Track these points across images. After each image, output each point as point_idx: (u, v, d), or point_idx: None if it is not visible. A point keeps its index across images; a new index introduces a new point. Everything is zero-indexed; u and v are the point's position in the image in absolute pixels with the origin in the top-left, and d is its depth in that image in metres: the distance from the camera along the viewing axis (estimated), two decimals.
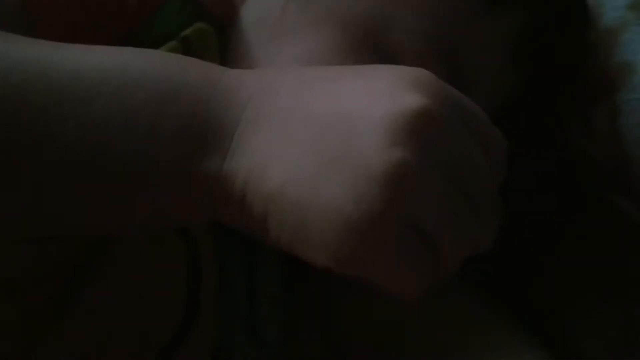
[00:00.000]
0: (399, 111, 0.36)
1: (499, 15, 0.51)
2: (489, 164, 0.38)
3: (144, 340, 0.49)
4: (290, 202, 0.37)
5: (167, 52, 0.47)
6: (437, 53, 0.49)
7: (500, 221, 0.39)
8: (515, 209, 0.56)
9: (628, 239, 0.56)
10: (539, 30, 0.52)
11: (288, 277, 0.57)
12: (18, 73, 0.38)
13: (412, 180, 0.35)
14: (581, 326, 0.55)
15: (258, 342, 0.55)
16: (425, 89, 0.37)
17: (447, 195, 0.36)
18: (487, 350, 0.53)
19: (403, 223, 0.36)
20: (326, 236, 0.36)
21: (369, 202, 0.35)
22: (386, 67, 0.40)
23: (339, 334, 0.57)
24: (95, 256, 0.46)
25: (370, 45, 0.49)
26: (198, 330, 0.50)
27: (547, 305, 0.56)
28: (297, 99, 0.39)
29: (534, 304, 0.56)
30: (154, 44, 0.47)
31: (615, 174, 0.56)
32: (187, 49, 0.48)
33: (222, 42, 0.51)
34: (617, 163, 0.55)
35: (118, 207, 0.39)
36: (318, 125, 0.37)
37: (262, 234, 0.38)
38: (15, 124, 0.37)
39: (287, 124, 0.38)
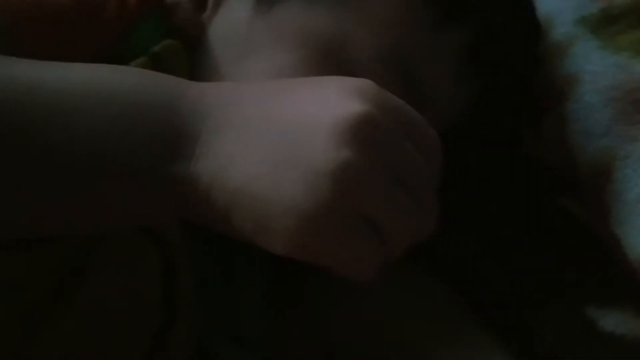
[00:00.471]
0: (343, 117, 0.40)
1: (450, 31, 0.53)
2: (426, 162, 0.42)
3: (123, 347, 0.50)
4: (251, 197, 0.41)
5: (138, 67, 0.49)
6: (392, 67, 0.51)
7: (438, 213, 0.43)
8: (474, 212, 0.60)
9: (575, 240, 0.59)
10: (490, 44, 0.54)
11: (272, 280, 0.59)
12: (6, 91, 0.41)
13: (356, 175, 0.39)
14: (536, 316, 0.58)
15: (240, 343, 0.57)
16: (367, 96, 0.41)
17: (388, 187, 0.40)
18: (462, 350, 0.56)
19: (350, 212, 0.40)
20: (284, 225, 0.40)
21: (319, 194, 0.39)
22: (335, 78, 0.44)
23: (327, 336, 0.59)
24: (73, 267, 0.48)
25: (331, 61, 0.51)
26: (176, 335, 0.52)
27: (507, 297, 0.59)
28: (255, 107, 0.42)
29: (496, 297, 0.59)
30: (130, 60, 0.50)
31: (564, 178, 0.58)
32: (157, 64, 0.50)
33: (192, 58, 0.53)
34: (565, 167, 0.57)
35: (96, 204, 0.43)
36: (275, 130, 0.41)
37: (226, 227, 0.42)
38: (3, 134, 0.40)
39: (247, 130, 0.42)
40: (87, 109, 0.42)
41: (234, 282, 0.57)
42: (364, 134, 0.40)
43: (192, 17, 0.55)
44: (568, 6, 0.59)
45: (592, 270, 0.58)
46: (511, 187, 0.61)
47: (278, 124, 0.41)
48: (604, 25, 0.58)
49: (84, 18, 0.50)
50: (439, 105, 0.54)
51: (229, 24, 0.54)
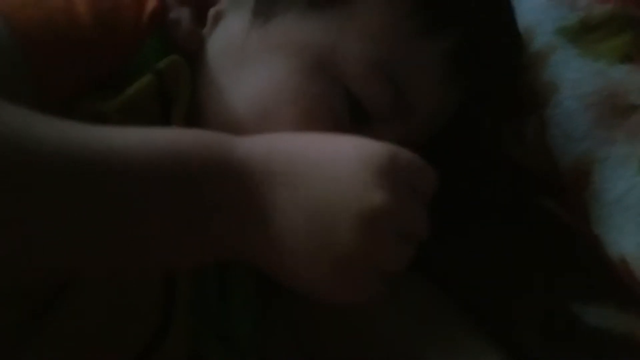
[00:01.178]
0: (368, 209, 0.46)
1: (434, 40, 0.54)
2: (425, 203, 0.48)
3: (119, 347, 0.52)
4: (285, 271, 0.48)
5: (144, 86, 0.52)
6: (381, 75, 0.53)
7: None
8: (460, 214, 0.61)
9: (558, 238, 0.60)
10: (472, 52, 0.55)
11: (263, 291, 0.60)
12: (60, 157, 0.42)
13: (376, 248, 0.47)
14: (521, 313, 0.60)
15: (231, 348, 0.58)
16: (387, 180, 0.46)
17: (398, 244, 0.47)
18: (452, 354, 0.58)
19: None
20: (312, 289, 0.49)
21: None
22: (357, 154, 0.48)
23: (312, 343, 0.60)
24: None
25: (323, 70, 0.53)
26: (172, 336, 0.53)
27: (492, 294, 0.61)
28: (287, 194, 0.47)
29: (481, 294, 0.61)
30: (136, 75, 0.52)
31: (546, 180, 0.60)
32: (162, 80, 0.52)
33: (192, 71, 0.55)
34: (546, 170, 0.59)
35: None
36: (306, 218, 0.46)
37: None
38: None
39: (282, 218, 0.47)
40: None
41: (227, 284, 0.59)
42: (385, 222, 0.46)
43: (192, 32, 0.56)
44: (548, 17, 0.61)
45: (575, 268, 0.59)
46: (494, 190, 0.62)
47: (309, 212, 0.46)
48: (582, 34, 0.60)
49: (102, 36, 0.51)
50: (424, 111, 0.56)
51: (227, 37, 0.56)
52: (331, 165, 0.47)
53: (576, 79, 0.59)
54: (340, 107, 0.53)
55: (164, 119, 0.53)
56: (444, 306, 0.61)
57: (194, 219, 0.45)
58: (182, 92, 0.54)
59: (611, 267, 0.55)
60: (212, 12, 0.57)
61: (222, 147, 0.47)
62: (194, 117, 0.55)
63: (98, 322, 0.51)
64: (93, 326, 0.51)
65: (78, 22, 0.51)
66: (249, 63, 0.55)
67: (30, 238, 0.41)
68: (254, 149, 0.48)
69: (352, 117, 0.54)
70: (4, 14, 0.49)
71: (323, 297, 0.49)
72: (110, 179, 0.43)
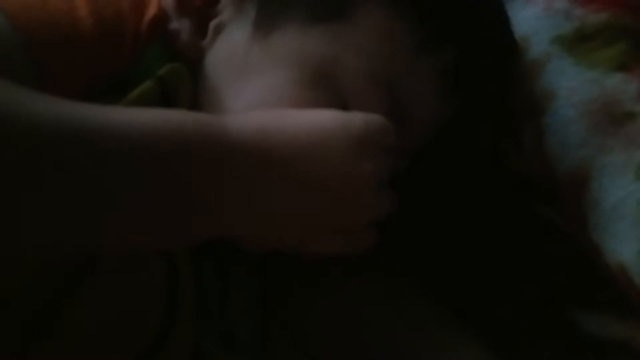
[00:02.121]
0: (358, 178, 0.51)
1: (433, 54, 0.55)
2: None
3: (123, 345, 0.52)
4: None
5: (144, 92, 0.52)
6: (379, 88, 0.54)
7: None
8: (458, 221, 0.62)
9: (557, 246, 0.60)
10: (469, 65, 0.56)
11: (263, 290, 0.61)
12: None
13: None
14: (520, 319, 0.60)
15: (232, 347, 0.59)
16: (368, 149, 0.52)
17: (381, 195, 0.53)
18: (441, 348, 0.59)
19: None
20: None
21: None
22: (339, 131, 0.51)
23: (310, 342, 0.61)
24: (80, 265, 0.50)
25: (323, 82, 0.54)
26: (176, 335, 0.54)
27: (491, 301, 0.62)
28: (283, 168, 0.50)
29: (480, 301, 0.62)
30: (136, 84, 0.52)
31: (543, 188, 0.60)
32: (162, 87, 0.53)
33: (193, 80, 0.56)
34: (544, 177, 0.59)
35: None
36: (304, 190, 0.50)
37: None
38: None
39: (282, 191, 0.50)
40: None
41: (230, 286, 0.59)
42: (372, 185, 0.52)
43: (194, 43, 0.57)
44: (544, 26, 0.62)
45: (573, 275, 0.60)
46: (492, 198, 0.63)
47: (305, 184, 0.50)
48: (578, 43, 0.60)
49: (104, 41, 0.52)
50: (420, 122, 0.57)
51: (228, 48, 0.57)
52: (321, 140, 0.50)
53: (572, 87, 0.59)
54: None
55: None
56: (440, 312, 0.61)
57: (194, 196, 0.47)
58: (183, 99, 0.54)
59: (610, 275, 0.55)
60: (213, 23, 0.57)
61: (215, 126, 0.49)
62: None
63: (101, 323, 0.51)
64: (96, 327, 0.51)
65: (80, 26, 0.51)
66: (249, 74, 0.56)
67: (26, 214, 0.42)
68: (246, 127, 0.49)
69: None
70: (7, 13, 0.49)
71: (322, 254, 0.55)
72: (108, 156, 0.44)
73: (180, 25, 0.57)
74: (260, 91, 0.55)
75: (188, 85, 0.55)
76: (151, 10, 0.55)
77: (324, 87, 0.54)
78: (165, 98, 0.53)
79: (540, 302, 0.60)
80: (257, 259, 0.61)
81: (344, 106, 0.54)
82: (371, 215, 0.53)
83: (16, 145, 0.41)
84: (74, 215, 0.43)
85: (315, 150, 0.50)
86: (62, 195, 0.43)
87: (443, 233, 0.62)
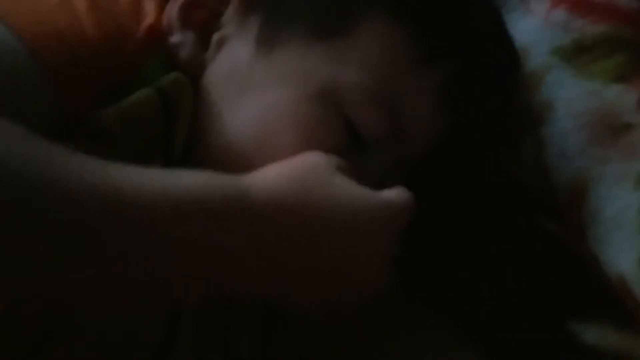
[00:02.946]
0: (376, 256, 0.52)
1: (432, 68, 0.55)
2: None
3: (125, 357, 0.52)
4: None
5: (143, 99, 0.52)
6: (380, 104, 0.55)
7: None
8: (456, 231, 0.62)
9: (555, 256, 0.60)
10: (468, 80, 0.57)
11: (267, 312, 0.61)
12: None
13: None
14: (518, 330, 0.60)
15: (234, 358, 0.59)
16: (388, 228, 0.53)
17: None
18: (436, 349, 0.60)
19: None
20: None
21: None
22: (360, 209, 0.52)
23: (308, 346, 0.61)
24: None
25: (325, 99, 0.55)
26: (177, 349, 0.54)
27: (490, 312, 0.62)
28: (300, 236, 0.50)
29: (478, 311, 0.62)
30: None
31: (542, 199, 0.60)
32: (163, 97, 0.53)
33: (195, 93, 0.56)
34: (543, 189, 0.59)
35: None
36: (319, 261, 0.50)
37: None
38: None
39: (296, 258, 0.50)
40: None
41: (231, 302, 0.59)
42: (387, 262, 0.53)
43: (195, 56, 0.57)
44: (543, 37, 0.62)
45: (571, 286, 0.60)
46: (490, 208, 0.63)
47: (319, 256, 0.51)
48: (577, 54, 0.61)
49: (108, 53, 0.52)
50: (420, 136, 0.57)
51: (231, 63, 0.57)
52: (340, 215, 0.51)
53: (571, 98, 0.59)
54: (340, 134, 0.55)
55: (167, 136, 0.54)
56: (435, 315, 0.62)
57: (215, 256, 0.47)
58: (184, 110, 0.55)
59: (609, 285, 0.55)
60: (216, 37, 0.57)
61: (236, 189, 0.49)
62: (195, 138, 0.56)
63: (101, 335, 0.51)
64: (96, 340, 0.51)
65: (86, 38, 0.52)
66: (251, 89, 0.56)
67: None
68: (267, 190, 0.49)
69: (351, 143, 0.55)
70: (17, 27, 0.50)
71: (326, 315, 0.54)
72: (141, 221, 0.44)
73: (183, 38, 0.57)
74: (262, 107, 0.55)
75: (190, 98, 0.55)
76: (148, 19, 0.56)
77: (326, 104, 0.55)
78: (165, 108, 0.54)
79: (538, 312, 0.60)
80: None
81: (346, 122, 0.55)
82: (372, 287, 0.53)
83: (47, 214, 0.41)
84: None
85: (336, 222, 0.51)
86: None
87: (441, 243, 0.62)
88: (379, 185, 0.52)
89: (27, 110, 0.48)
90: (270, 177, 0.50)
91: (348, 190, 0.51)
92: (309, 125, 0.55)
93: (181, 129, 0.55)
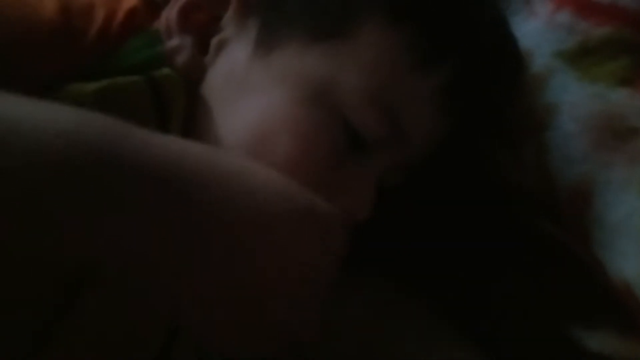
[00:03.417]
0: None
1: (431, 72, 0.55)
2: None
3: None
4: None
5: (131, 85, 0.52)
6: (377, 106, 0.54)
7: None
8: (456, 231, 0.62)
9: (559, 261, 0.60)
10: (468, 84, 0.56)
11: None
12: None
13: None
14: (522, 336, 0.60)
15: None
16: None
17: None
18: (421, 347, 0.59)
19: None
20: None
21: None
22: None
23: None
24: (80, 278, 0.49)
25: (322, 101, 0.54)
26: (179, 349, 0.51)
27: (492, 317, 0.61)
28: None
29: (480, 317, 0.62)
30: (117, 74, 0.52)
31: (545, 202, 0.60)
32: (157, 91, 0.53)
33: (191, 97, 0.56)
34: (546, 192, 0.59)
35: None
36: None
37: None
38: None
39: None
40: None
41: None
42: None
43: (195, 60, 0.57)
44: (546, 40, 0.62)
45: (575, 291, 0.59)
46: (492, 211, 0.63)
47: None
48: (581, 57, 0.60)
49: (67, 38, 0.52)
50: (419, 138, 0.57)
51: (229, 66, 0.57)
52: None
53: (574, 102, 0.59)
54: (338, 136, 0.55)
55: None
56: (431, 316, 0.62)
57: None
58: (177, 108, 0.54)
59: (614, 291, 0.55)
60: (215, 40, 0.57)
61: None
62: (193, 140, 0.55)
63: (102, 335, 0.50)
64: (96, 338, 0.50)
65: (42, 12, 0.51)
66: (249, 92, 0.56)
67: None
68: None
69: (350, 145, 0.55)
70: None
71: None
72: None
73: (182, 42, 0.57)
74: (260, 109, 0.55)
75: (181, 99, 0.55)
76: (128, 2, 0.56)
77: (324, 106, 0.54)
78: (158, 103, 0.54)
79: (542, 318, 0.60)
80: None
81: (344, 124, 0.54)
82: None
83: None
84: None
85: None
86: None
87: (443, 246, 0.62)
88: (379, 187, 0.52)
89: None
90: None
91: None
92: (306, 128, 0.54)
93: (174, 127, 0.54)
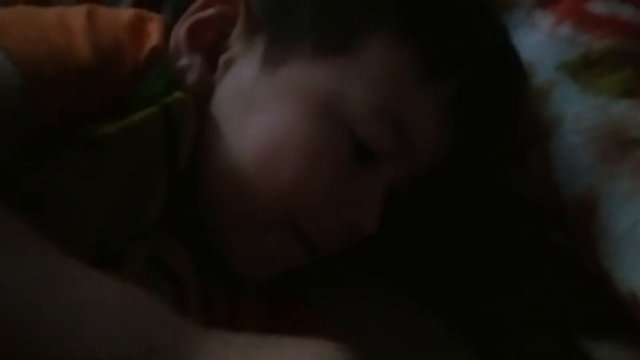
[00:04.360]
0: None
1: (436, 84, 0.56)
2: None
3: None
4: None
5: (147, 118, 0.53)
6: (384, 119, 0.55)
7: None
8: (463, 243, 0.62)
9: (566, 272, 0.61)
10: (473, 95, 0.57)
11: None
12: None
13: None
14: (532, 347, 0.60)
15: None
16: None
17: None
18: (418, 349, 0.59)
19: None
20: None
21: None
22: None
23: None
24: None
25: (329, 115, 0.55)
26: None
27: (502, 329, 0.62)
28: None
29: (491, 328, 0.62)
30: (138, 107, 0.53)
31: (550, 214, 0.60)
32: (168, 116, 0.53)
33: (200, 115, 0.56)
34: (551, 203, 0.60)
35: None
36: None
37: None
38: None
39: None
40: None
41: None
42: None
43: (204, 78, 0.57)
44: (549, 53, 0.62)
45: (583, 303, 0.59)
46: (498, 223, 0.63)
47: None
48: (583, 69, 0.61)
49: (103, 73, 0.53)
50: (425, 150, 0.57)
51: (237, 82, 0.57)
52: None
53: (578, 113, 0.59)
54: (345, 149, 0.55)
55: (171, 154, 0.55)
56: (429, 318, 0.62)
57: None
58: (187, 127, 0.55)
59: (621, 302, 0.55)
60: (223, 58, 0.58)
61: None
62: (202, 159, 0.56)
63: None
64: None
65: (76, 57, 0.52)
66: (257, 107, 0.56)
67: None
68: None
69: (357, 158, 0.56)
70: (7, 49, 0.50)
71: None
72: None
73: (191, 61, 0.57)
74: (266, 125, 0.56)
75: (193, 118, 0.55)
76: (152, 41, 0.56)
77: (331, 120, 0.55)
78: (169, 125, 0.54)
79: (551, 330, 0.60)
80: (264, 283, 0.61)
81: (352, 137, 0.55)
82: None
83: None
84: None
85: None
86: None
87: (449, 258, 0.62)
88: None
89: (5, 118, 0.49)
90: None
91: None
92: (314, 143, 0.55)
93: (185, 145, 0.55)
